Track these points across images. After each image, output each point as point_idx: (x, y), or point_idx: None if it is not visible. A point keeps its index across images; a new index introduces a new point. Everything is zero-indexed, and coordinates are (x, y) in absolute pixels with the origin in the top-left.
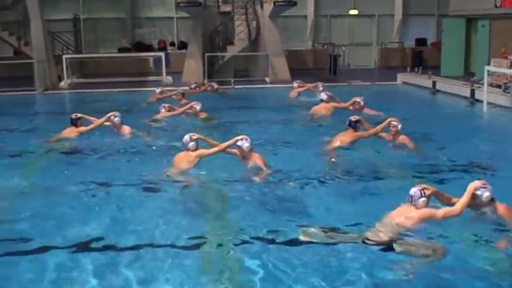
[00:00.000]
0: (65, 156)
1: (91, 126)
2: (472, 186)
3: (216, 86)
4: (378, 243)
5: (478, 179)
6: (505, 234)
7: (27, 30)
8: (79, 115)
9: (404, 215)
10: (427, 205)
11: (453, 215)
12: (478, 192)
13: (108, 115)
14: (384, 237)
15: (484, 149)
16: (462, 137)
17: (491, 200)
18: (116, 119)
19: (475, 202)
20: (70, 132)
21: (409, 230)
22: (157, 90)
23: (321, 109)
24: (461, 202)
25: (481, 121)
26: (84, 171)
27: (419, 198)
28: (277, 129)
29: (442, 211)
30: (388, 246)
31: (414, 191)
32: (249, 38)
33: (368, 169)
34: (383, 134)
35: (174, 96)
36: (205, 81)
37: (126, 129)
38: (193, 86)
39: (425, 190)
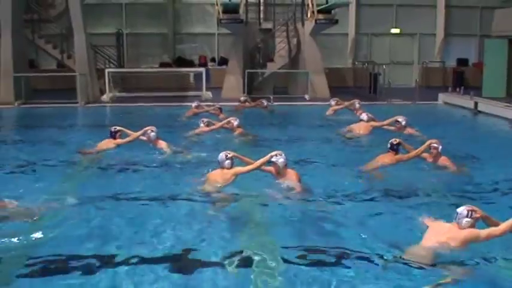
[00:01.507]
0: (101, 168)
1: (128, 139)
2: None
3: (265, 103)
4: (417, 262)
5: None
6: None
7: (71, 44)
8: (118, 128)
9: (448, 235)
10: (471, 227)
11: (496, 235)
12: None
13: (144, 129)
14: (425, 256)
15: None
16: (504, 159)
17: None
18: (152, 134)
19: None
20: (107, 143)
21: (452, 250)
22: (194, 104)
23: (359, 128)
24: (507, 223)
25: None
26: (120, 184)
27: (464, 217)
28: (314, 146)
29: (486, 232)
30: (427, 266)
31: (462, 209)
32: (289, 55)
33: (408, 190)
34: (424, 155)
35: (212, 111)
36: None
37: (162, 144)
38: (242, 99)
39: (473, 212)
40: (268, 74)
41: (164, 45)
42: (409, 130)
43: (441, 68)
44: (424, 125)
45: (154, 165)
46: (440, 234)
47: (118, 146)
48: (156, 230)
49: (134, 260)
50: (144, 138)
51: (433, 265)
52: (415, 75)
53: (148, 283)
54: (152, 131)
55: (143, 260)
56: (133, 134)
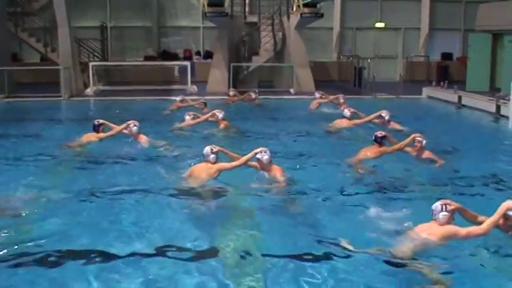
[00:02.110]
0: (83, 161)
1: (110, 132)
2: (504, 205)
3: (253, 95)
4: (399, 259)
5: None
6: None
7: (54, 37)
8: (101, 121)
9: (427, 231)
10: (449, 221)
11: (478, 234)
12: (510, 213)
13: (127, 123)
14: (406, 253)
15: (509, 165)
16: (487, 152)
17: None
18: (134, 128)
19: (506, 223)
20: (90, 137)
21: (432, 246)
22: (178, 98)
23: (341, 124)
24: (489, 221)
25: (506, 137)
26: (101, 177)
27: (440, 212)
28: (299, 140)
29: (466, 230)
30: (407, 263)
31: (436, 205)
32: (274, 48)
33: (391, 183)
34: (408, 149)
35: (196, 105)
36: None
37: (143, 138)
38: (231, 93)
39: (447, 205)
40: (253, 67)
41: (149, 38)
42: (392, 124)
43: (425, 62)
44: (408, 119)
45: (137, 159)
46: (420, 231)
47: (101, 139)
48: (137, 224)
49: (116, 254)
50: (126, 131)
51: (415, 261)
52: (400, 69)
53: (129, 278)
54: (135, 125)
55: (125, 254)
56: (116, 128)
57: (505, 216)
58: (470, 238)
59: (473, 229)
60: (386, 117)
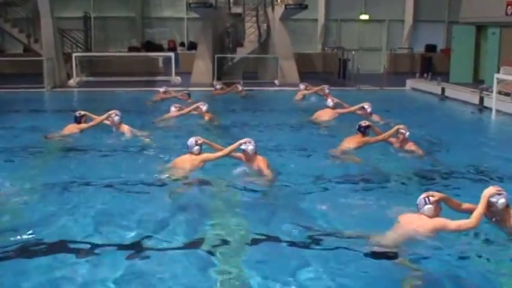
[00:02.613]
0: (65, 152)
1: (92, 123)
2: (486, 193)
3: (240, 88)
4: (383, 251)
5: (493, 185)
6: None
7: (37, 28)
8: (83, 113)
9: (416, 224)
10: (437, 212)
11: (468, 228)
12: (493, 200)
13: (108, 113)
14: (391, 243)
15: (491, 156)
16: (470, 144)
17: (507, 207)
18: (116, 117)
19: (489, 210)
20: (71, 128)
21: (421, 239)
22: (161, 89)
23: (324, 114)
24: (477, 214)
25: (489, 128)
26: (83, 169)
27: (424, 205)
28: (283, 132)
29: (455, 223)
30: (392, 255)
31: (419, 199)
32: (259, 40)
33: (374, 174)
34: (391, 139)
35: (179, 96)
36: (214, 82)
37: (125, 128)
38: (218, 87)
39: (430, 197)
40: (237, 59)
41: (132, 29)
42: (374, 117)
43: (409, 54)
44: (392, 111)
45: (120, 149)
46: (409, 223)
47: (82, 130)
48: (119, 215)
49: (98, 245)
50: (108, 122)
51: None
52: (384, 61)
53: (113, 268)
54: (116, 114)
55: (108, 245)
56: (98, 118)
57: (488, 203)
58: (459, 231)
59: (463, 223)
60: (369, 110)
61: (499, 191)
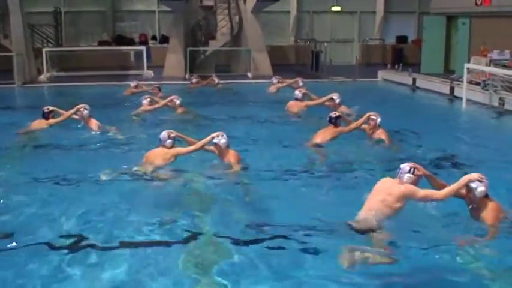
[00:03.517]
0: (34, 148)
1: (60, 118)
2: (467, 177)
3: (216, 81)
4: (361, 229)
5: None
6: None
7: (7, 24)
8: (51, 108)
9: (387, 191)
10: (413, 184)
11: (435, 199)
12: (473, 185)
13: (77, 107)
14: (369, 221)
15: (461, 145)
16: (440, 133)
17: (486, 197)
18: (85, 111)
19: (468, 195)
20: (39, 124)
21: (391, 208)
22: (132, 84)
23: (293, 106)
24: (449, 189)
25: (459, 118)
26: (51, 164)
27: (406, 173)
28: (257, 125)
29: (424, 191)
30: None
31: (405, 165)
32: (231, 33)
33: (345, 165)
34: (364, 126)
35: (150, 90)
36: (187, 76)
37: (94, 122)
38: (194, 80)
39: (415, 169)
40: (210, 52)
41: (103, 23)
42: (342, 108)
43: (381, 46)
44: (364, 102)
45: (89, 144)
46: (380, 190)
47: (50, 125)
48: (90, 211)
49: (67, 243)
50: (77, 116)
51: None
52: (356, 52)
53: (85, 266)
54: (85, 108)
55: (78, 242)
56: (66, 113)
57: (468, 188)
58: (427, 201)
59: (432, 192)
60: (337, 100)
61: (481, 178)
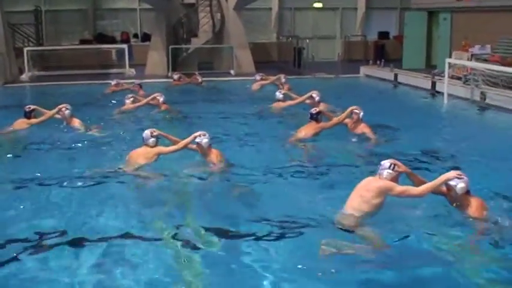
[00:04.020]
0: (15, 148)
1: (42, 118)
2: (445, 175)
3: (200, 79)
4: (344, 226)
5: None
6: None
7: None
8: (32, 107)
9: (366, 187)
10: (392, 180)
11: (413, 194)
12: (453, 183)
13: (58, 107)
14: (350, 219)
15: (443, 139)
16: (422, 128)
17: (467, 193)
18: (67, 111)
19: (449, 193)
20: (21, 123)
21: (369, 204)
22: (113, 82)
23: (277, 106)
24: (427, 185)
25: (441, 113)
26: (34, 164)
27: (386, 169)
28: (241, 122)
29: (402, 187)
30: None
31: (385, 161)
32: (213, 30)
33: (329, 160)
34: (346, 121)
35: (131, 88)
36: (169, 73)
37: (77, 122)
38: (176, 77)
39: (395, 165)
40: (192, 49)
41: (84, 21)
42: (322, 105)
43: (363, 42)
44: (347, 98)
45: (72, 144)
46: (360, 187)
47: (32, 125)
48: (73, 211)
49: (51, 243)
50: (59, 116)
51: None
52: (338, 49)
53: (66, 266)
54: (67, 108)
55: (60, 242)
56: (48, 113)
57: (448, 186)
58: (404, 196)
59: (410, 188)
60: (317, 98)
61: (459, 175)
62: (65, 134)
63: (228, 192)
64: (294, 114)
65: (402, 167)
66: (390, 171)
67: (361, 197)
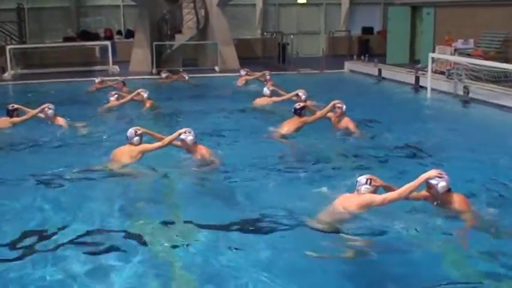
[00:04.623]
0: None
1: (25, 117)
2: (426, 174)
3: (187, 77)
4: (320, 230)
5: (435, 168)
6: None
7: None
8: (16, 106)
9: (345, 202)
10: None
11: (394, 199)
12: (433, 182)
13: (42, 107)
14: (326, 224)
15: (427, 134)
16: (406, 122)
17: (448, 191)
18: (50, 111)
19: (430, 192)
20: (3, 122)
21: (350, 216)
22: (97, 79)
23: (261, 102)
24: (405, 186)
25: (424, 107)
26: (17, 163)
27: (363, 185)
28: (225, 118)
29: (381, 197)
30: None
31: (361, 178)
32: (197, 26)
33: (313, 156)
34: (329, 115)
35: (115, 85)
36: (154, 70)
37: (60, 120)
38: (164, 75)
39: (372, 180)
40: (176, 46)
41: (68, 19)
42: (308, 103)
43: (347, 37)
44: (331, 93)
45: (56, 142)
46: (341, 202)
47: (15, 124)
48: (58, 209)
49: (35, 242)
50: (42, 115)
51: (337, 232)
52: (322, 44)
53: (52, 266)
54: (49, 108)
55: (46, 241)
56: (31, 112)
57: (428, 185)
58: (386, 204)
59: (388, 195)
60: (303, 97)
61: (440, 174)
62: (49, 132)
63: (214, 189)
64: (279, 110)
65: (378, 181)
66: (368, 186)
67: (342, 211)
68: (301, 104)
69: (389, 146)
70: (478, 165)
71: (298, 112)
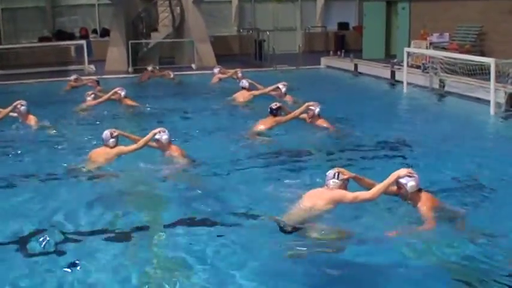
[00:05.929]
0: None
1: None
2: (395, 173)
3: (172, 74)
4: (291, 226)
5: (406, 167)
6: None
7: None
8: None
9: (316, 196)
10: (341, 188)
11: (365, 199)
12: (403, 181)
13: (14, 104)
14: (296, 220)
15: (403, 127)
16: (382, 117)
17: (419, 191)
18: (22, 107)
19: (400, 192)
20: None
21: (321, 211)
22: (72, 78)
23: (240, 96)
24: (378, 187)
25: (400, 101)
26: None
27: (331, 179)
28: (201, 116)
29: (353, 194)
30: (298, 229)
31: (329, 172)
32: (173, 24)
33: (288, 153)
34: (303, 116)
35: (89, 84)
36: (130, 69)
37: (32, 119)
38: (149, 68)
39: (340, 173)
40: (152, 44)
41: (43, 19)
42: (288, 98)
43: (323, 33)
44: (308, 89)
45: (27, 142)
46: (311, 196)
47: None
48: (30, 210)
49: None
50: (15, 114)
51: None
52: (299, 40)
53: (30, 265)
54: (22, 104)
55: (22, 242)
56: (3, 111)
57: (398, 184)
58: (357, 202)
59: (361, 193)
60: (283, 90)
61: (410, 173)
62: (21, 132)
63: (190, 187)
64: (256, 107)
65: (347, 174)
66: (336, 180)
67: (311, 208)
68: (278, 104)
69: (365, 141)
70: (453, 157)
71: (274, 112)
